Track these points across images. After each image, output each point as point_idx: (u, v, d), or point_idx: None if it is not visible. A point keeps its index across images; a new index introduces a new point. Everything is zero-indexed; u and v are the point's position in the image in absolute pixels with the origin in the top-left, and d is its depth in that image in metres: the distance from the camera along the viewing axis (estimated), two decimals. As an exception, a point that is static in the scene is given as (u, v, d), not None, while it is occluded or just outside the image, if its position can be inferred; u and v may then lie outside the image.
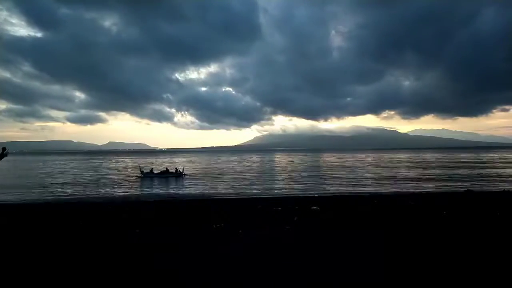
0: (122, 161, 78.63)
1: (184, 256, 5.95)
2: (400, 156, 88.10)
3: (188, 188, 24.16)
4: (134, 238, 7.31)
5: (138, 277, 4.97)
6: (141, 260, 5.73)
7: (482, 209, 10.60)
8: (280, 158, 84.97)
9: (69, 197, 19.66)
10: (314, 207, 11.25)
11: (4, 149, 12.51)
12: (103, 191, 22.91)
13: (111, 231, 8.03)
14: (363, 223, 8.60)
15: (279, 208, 11.32)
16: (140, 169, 34.94)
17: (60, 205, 14.47)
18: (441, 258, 5.63)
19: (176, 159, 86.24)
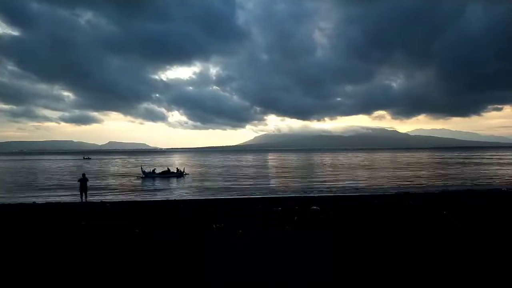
0: (123, 160, 78.67)
1: (183, 256, 5.97)
2: (410, 156, 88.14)
3: (188, 188, 24.17)
4: (134, 238, 7.34)
5: (138, 276, 4.99)
6: (141, 260, 5.75)
7: (482, 209, 10.62)
8: (284, 158, 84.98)
9: (70, 197, 19.68)
10: (314, 207, 11.27)
11: (84, 175, 17.03)
12: (103, 190, 22.92)
13: (111, 231, 8.06)
14: (363, 223, 8.62)
15: (279, 208, 11.34)
16: (141, 169, 35.01)
17: (61, 205, 14.49)
18: (441, 257, 5.65)
19: (179, 159, 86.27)
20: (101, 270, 5.29)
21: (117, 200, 17.57)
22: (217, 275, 5.01)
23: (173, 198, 17.80)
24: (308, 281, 4.74)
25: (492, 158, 64.87)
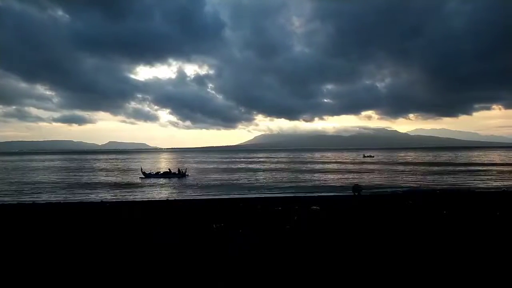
0: (124, 160, 78.69)
1: (184, 256, 5.97)
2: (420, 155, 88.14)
3: (189, 188, 24.19)
4: (134, 239, 7.34)
5: (138, 277, 5.00)
6: (142, 260, 5.76)
7: (482, 209, 10.62)
8: (286, 157, 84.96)
9: (70, 197, 19.71)
10: (314, 207, 11.28)
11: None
12: (104, 191, 22.95)
13: (111, 232, 8.06)
14: (363, 223, 8.63)
15: (279, 208, 11.34)
16: (141, 169, 35.00)
17: (61, 205, 14.50)
18: (441, 257, 5.65)
19: (182, 159, 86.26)
20: (101, 270, 5.29)
21: (117, 200, 17.60)
22: (217, 275, 5.01)
23: (173, 198, 17.81)
24: (309, 281, 4.74)
25: (492, 158, 64.80)
